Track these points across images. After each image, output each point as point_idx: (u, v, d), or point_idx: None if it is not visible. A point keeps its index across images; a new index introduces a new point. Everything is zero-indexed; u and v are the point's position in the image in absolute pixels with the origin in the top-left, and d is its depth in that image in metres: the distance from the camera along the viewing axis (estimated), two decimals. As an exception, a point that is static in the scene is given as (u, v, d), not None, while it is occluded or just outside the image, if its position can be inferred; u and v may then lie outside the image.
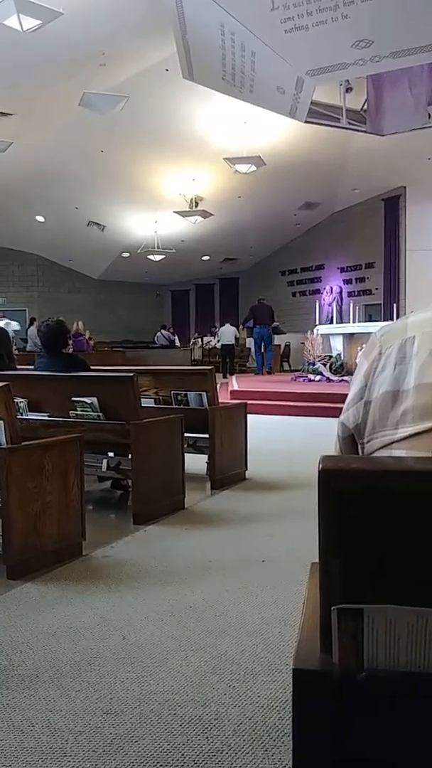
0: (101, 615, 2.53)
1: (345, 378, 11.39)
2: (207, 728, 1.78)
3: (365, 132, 8.54)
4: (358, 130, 8.63)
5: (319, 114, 7.99)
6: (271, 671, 2.09)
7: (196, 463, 4.85)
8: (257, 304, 15.59)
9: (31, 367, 4.92)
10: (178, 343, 21.00)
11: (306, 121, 7.75)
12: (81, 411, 4.05)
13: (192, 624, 2.45)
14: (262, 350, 15.21)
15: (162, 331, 20.65)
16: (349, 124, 8.31)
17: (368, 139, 9.67)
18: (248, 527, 3.81)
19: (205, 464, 4.92)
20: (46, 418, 4.24)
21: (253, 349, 15.88)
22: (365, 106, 8.32)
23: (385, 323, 1.20)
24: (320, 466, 0.95)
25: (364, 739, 1.00)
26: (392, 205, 17.01)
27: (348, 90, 8.28)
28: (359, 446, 1.17)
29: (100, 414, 4.00)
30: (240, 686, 2.00)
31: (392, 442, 1.06)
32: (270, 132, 12.18)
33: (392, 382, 1.08)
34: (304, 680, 1.01)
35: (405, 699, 0.97)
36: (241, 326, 18.20)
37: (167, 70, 9.56)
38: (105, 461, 4.17)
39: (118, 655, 2.20)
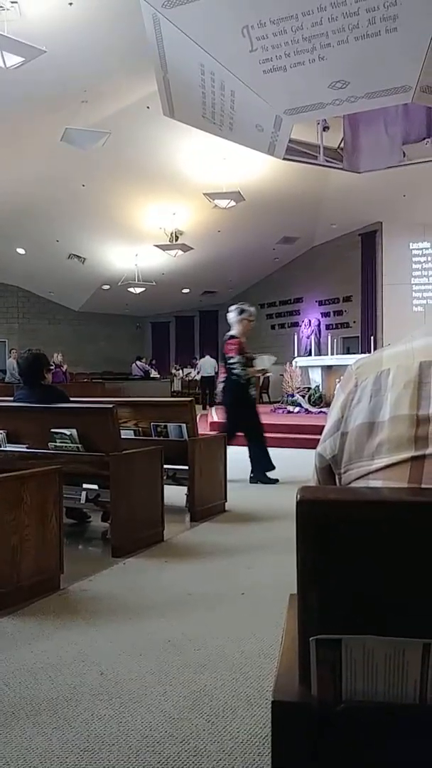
0: (79, 650, 2.49)
1: (323, 409, 11.46)
2: (185, 765, 1.75)
3: (342, 169, 8.73)
4: (335, 168, 8.82)
5: (297, 151, 8.16)
6: (251, 706, 2.07)
7: (175, 494, 4.83)
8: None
9: (11, 398, 4.90)
10: (155, 374, 20.98)
11: (284, 158, 7.91)
12: (60, 442, 4.03)
13: (171, 658, 2.42)
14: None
15: (137, 362, 20.64)
16: (327, 161, 8.49)
17: (345, 176, 9.89)
18: (228, 559, 3.79)
19: (185, 496, 4.90)
20: (25, 449, 4.21)
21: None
22: (342, 144, 8.52)
23: (362, 356, 1.23)
24: (298, 496, 0.97)
25: (343, 771, 1.00)
26: (369, 240, 17.32)
27: (325, 128, 8.49)
28: (336, 477, 1.19)
29: (80, 445, 3.98)
30: (219, 722, 1.97)
31: (369, 473, 1.08)
32: (249, 168, 12.40)
33: (368, 413, 1.10)
34: (283, 712, 1.01)
35: (383, 730, 0.97)
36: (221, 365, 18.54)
37: (148, 107, 9.74)
38: (84, 493, 4.13)
39: (96, 691, 2.17)
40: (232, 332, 6.26)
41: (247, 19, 5.57)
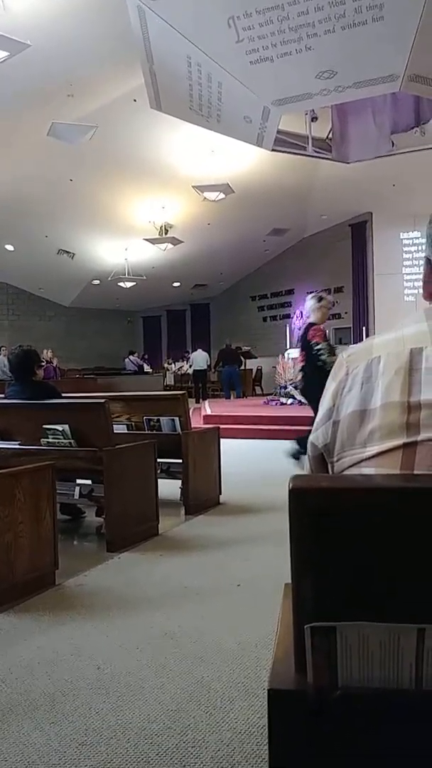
0: (75, 645, 2.49)
1: (317, 401, 11.46)
2: (184, 757, 1.76)
3: (331, 160, 8.71)
4: (323, 158, 8.79)
5: (285, 142, 8.13)
6: (248, 696, 2.07)
7: (169, 488, 4.83)
8: (225, 348, 17.30)
9: (2, 395, 4.88)
10: (147, 369, 20.96)
11: (273, 150, 7.87)
12: (53, 438, 4.02)
13: (167, 651, 2.42)
14: (231, 386, 16.75)
15: (130, 356, 20.60)
16: (315, 152, 8.46)
17: (334, 167, 9.86)
18: (223, 552, 3.79)
19: (179, 489, 4.90)
20: (18, 446, 4.20)
21: (222, 382, 17.68)
22: (330, 135, 8.49)
23: (353, 345, 1.23)
24: (290, 485, 0.96)
25: (341, 757, 1.00)
26: (359, 231, 17.32)
27: (313, 119, 8.45)
28: (329, 465, 1.19)
29: (72, 441, 3.97)
30: (217, 713, 1.98)
31: (361, 461, 1.08)
32: (238, 160, 12.36)
33: (359, 401, 1.10)
34: (279, 701, 1.01)
35: (379, 716, 0.97)
36: (212, 370, 19.01)
37: (135, 100, 9.67)
38: (77, 488, 4.13)
39: (93, 686, 2.17)
40: (312, 319, 6.26)
41: (233, 9, 5.53)
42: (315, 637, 0.97)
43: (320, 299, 6.34)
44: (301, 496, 0.96)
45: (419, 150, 8.36)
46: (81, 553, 3.97)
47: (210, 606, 2.89)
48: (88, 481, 4.14)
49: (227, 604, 2.91)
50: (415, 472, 1.01)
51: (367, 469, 1.06)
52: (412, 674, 0.96)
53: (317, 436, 1.21)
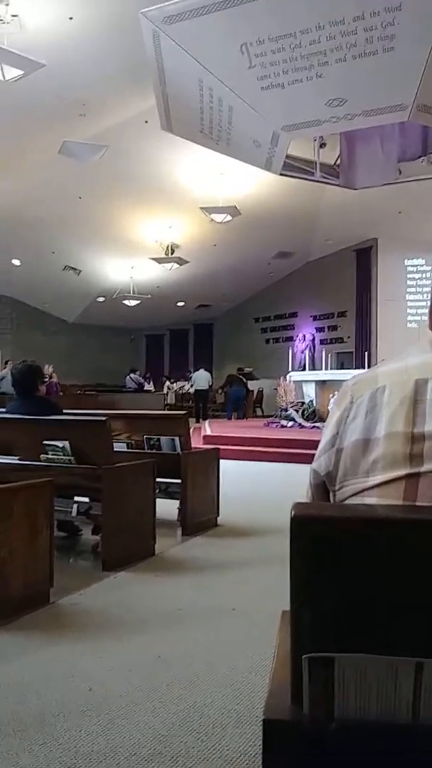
0: (67, 665, 2.46)
1: (317, 424, 11.45)
2: (174, 784, 1.73)
3: (338, 185, 8.79)
4: (331, 184, 8.87)
5: (293, 167, 8.21)
6: (241, 723, 2.04)
7: (167, 508, 4.80)
8: (234, 375, 18.55)
9: (3, 409, 4.88)
10: (149, 387, 20.95)
11: (281, 174, 7.96)
12: (53, 455, 4.01)
13: (160, 674, 2.40)
14: (235, 407, 17.53)
15: (131, 374, 20.60)
16: (323, 177, 8.54)
17: (341, 193, 9.95)
18: (219, 574, 3.76)
19: (177, 510, 4.88)
20: (17, 461, 4.18)
21: (227, 401, 18.48)
22: (338, 161, 8.58)
23: (357, 371, 1.23)
24: (293, 513, 0.96)
25: (335, 792, 0.99)
26: (364, 256, 17.42)
27: (322, 145, 8.55)
28: (331, 493, 1.18)
29: (72, 458, 3.96)
30: (208, 740, 1.95)
31: (363, 490, 1.07)
32: (246, 183, 12.47)
33: (363, 430, 1.10)
34: (274, 731, 1.00)
35: (376, 749, 0.96)
36: (220, 390, 19.60)
37: (146, 121, 9.79)
38: (75, 506, 4.11)
39: (84, 707, 2.14)
40: None
41: (246, 36, 5.62)
42: (312, 667, 0.96)
43: None
44: (303, 524, 0.96)
45: (426, 179, 8.43)
46: (76, 571, 3.94)
47: (204, 629, 2.87)
48: (86, 499, 4.12)
49: (222, 628, 2.88)
50: (418, 503, 1.01)
51: (370, 499, 1.06)
52: (410, 708, 0.95)
53: (320, 463, 1.20)
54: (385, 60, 5.56)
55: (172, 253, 16.44)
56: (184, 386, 20.92)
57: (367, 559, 0.95)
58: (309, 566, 0.96)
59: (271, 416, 14.24)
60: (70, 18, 7.57)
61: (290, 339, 19.98)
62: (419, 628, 0.94)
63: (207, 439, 10.57)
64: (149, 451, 4.91)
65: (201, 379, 18.21)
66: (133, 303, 19.40)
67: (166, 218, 14.99)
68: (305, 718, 0.97)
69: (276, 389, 14.06)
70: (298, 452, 8.49)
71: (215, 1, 5.34)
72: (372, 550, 0.94)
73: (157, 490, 4.37)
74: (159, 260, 16.26)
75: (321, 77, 5.84)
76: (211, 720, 2.07)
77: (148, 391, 20.51)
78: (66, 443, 3.95)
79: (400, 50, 5.45)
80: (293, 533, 0.96)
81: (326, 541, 0.95)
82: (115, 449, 4.19)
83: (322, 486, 1.21)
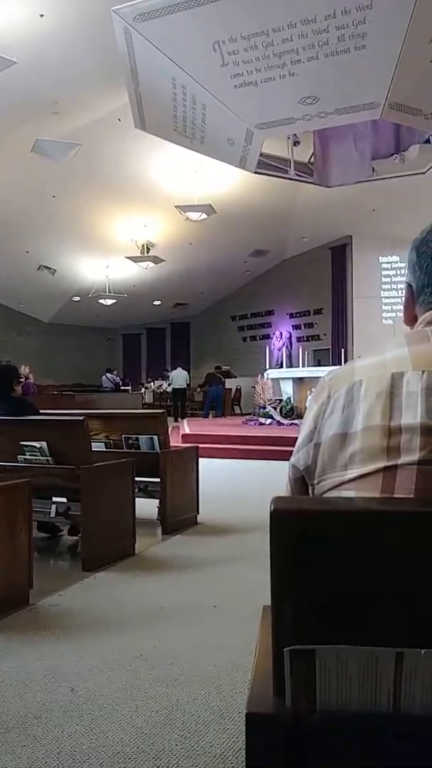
0: (49, 666, 2.45)
1: (295, 421, 11.51)
2: (158, 781, 1.73)
3: (312, 183, 8.82)
4: (305, 182, 8.90)
5: (268, 165, 8.22)
6: (224, 720, 2.05)
7: (147, 507, 4.80)
8: (213, 373, 18.49)
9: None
10: (126, 388, 20.88)
11: (255, 172, 7.97)
12: (30, 455, 3.98)
13: (142, 673, 2.39)
14: (213, 403, 17.64)
15: (107, 374, 20.53)
16: (297, 175, 8.57)
17: (315, 190, 10.00)
18: (200, 572, 3.77)
19: (156, 509, 4.88)
20: (-6, 462, 4.15)
21: (204, 400, 18.52)
22: (312, 159, 8.61)
23: (334, 367, 1.24)
24: (272, 506, 0.97)
25: (318, 783, 1.00)
26: (339, 254, 17.54)
27: (296, 143, 8.57)
28: (310, 487, 1.19)
29: (50, 458, 3.94)
30: (192, 737, 1.95)
31: (342, 483, 1.08)
32: (220, 181, 12.48)
33: (341, 424, 1.11)
34: (257, 725, 1.00)
35: (358, 739, 0.97)
36: (199, 389, 19.55)
37: (119, 119, 9.75)
38: (53, 506, 4.09)
39: (66, 708, 2.14)
40: None
41: (219, 34, 5.62)
42: (294, 660, 0.97)
43: None
44: (282, 518, 0.97)
45: (399, 176, 8.50)
46: (56, 572, 3.92)
47: (186, 627, 2.87)
48: (64, 499, 4.10)
49: (203, 626, 2.89)
50: (395, 495, 1.02)
51: (348, 492, 1.07)
52: (390, 697, 0.96)
53: (298, 458, 1.21)
54: (356, 58, 5.59)
55: (147, 252, 16.41)
56: (161, 385, 20.90)
57: (347, 552, 0.96)
58: (288, 560, 0.97)
59: (250, 414, 14.28)
60: (41, 15, 7.51)
61: (267, 337, 20.05)
62: (399, 618, 0.95)
63: (186, 437, 10.57)
64: (128, 450, 4.90)
65: (178, 377, 18.21)
66: (109, 302, 19.33)
67: (141, 217, 14.95)
68: (288, 710, 0.98)
69: (254, 387, 14.11)
70: (277, 449, 8.53)
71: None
72: (351, 543, 0.95)
73: (137, 490, 4.37)
74: (134, 259, 16.22)
75: (294, 75, 5.86)
76: (194, 717, 2.07)
77: (126, 391, 20.45)
78: (43, 444, 3.93)
79: (371, 48, 5.49)
80: (273, 527, 0.96)
81: (306, 534, 0.96)
82: (93, 449, 4.17)
83: (301, 480, 1.21)
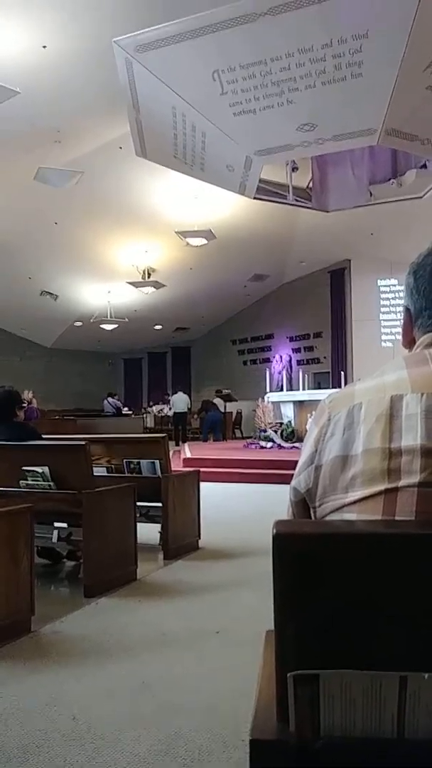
0: (50, 694, 2.43)
1: (296, 444, 11.50)
2: None
3: (311, 208, 8.91)
4: (304, 207, 8.99)
5: (267, 191, 8.31)
6: (227, 748, 2.03)
7: (148, 532, 4.78)
8: (208, 400, 18.81)
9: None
10: (126, 411, 20.87)
11: (255, 198, 8.05)
12: (32, 480, 3.98)
13: (145, 701, 2.37)
14: (210, 430, 17.83)
15: (109, 398, 20.55)
16: (296, 200, 8.66)
17: (314, 215, 10.08)
18: (202, 598, 3.74)
19: (158, 533, 4.85)
20: (-5, 488, 4.14)
21: (202, 426, 18.68)
22: (310, 184, 8.71)
23: (334, 390, 1.25)
24: (274, 530, 0.97)
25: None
26: (338, 277, 17.64)
27: (294, 169, 8.68)
28: (311, 510, 1.19)
29: (52, 483, 3.93)
30: (195, 765, 1.93)
31: (343, 506, 1.08)
32: (220, 207, 12.60)
33: (341, 447, 1.11)
34: (261, 751, 1.00)
35: (362, 765, 0.96)
36: (196, 416, 19.63)
37: (121, 147, 9.87)
38: (55, 532, 4.07)
39: (68, 736, 2.11)
40: None
41: (218, 63, 5.71)
42: (298, 685, 0.96)
43: None
44: (285, 541, 0.97)
45: (396, 201, 8.59)
46: (58, 598, 3.89)
47: (188, 654, 2.84)
48: (65, 525, 4.09)
49: (206, 651, 2.86)
50: (396, 517, 1.02)
51: (349, 515, 1.07)
52: (394, 722, 0.96)
53: (299, 481, 1.22)
54: (353, 86, 5.68)
55: (148, 277, 16.50)
56: (163, 409, 20.89)
57: (349, 575, 0.96)
58: (291, 583, 0.97)
59: (250, 437, 14.26)
60: (44, 46, 7.65)
61: (267, 360, 20.09)
62: (402, 642, 0.95)
63: (187, 462, 10.54)
64: (129, 474, 4.90)
65: (179, 401, 18.23)
66: (110, 327, 19.40)
67: (142, 242, 15.06)
68: (292, 736, 0.97)
69: (254, 411, 14.10)
70: (278, 473, 8.50)
71: (187, 30, 5.43)
72: (353, 566, 0.96)
73: (138, 514, 4.35)
74: (136, 284, 16.31)
75: (291, 103, 5.95)
76: (197, 745, 2.05)
77: (127, 415, 20.45)
78: (45, 468, 3.93)
79: (367, 76, 5.58)
80: (275, 551, 0.97)
81: (308, 558, 0.96)
82: (95, 474, 4.17)
83: (303, 503, 1.22)
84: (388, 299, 17.12)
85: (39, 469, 3.93)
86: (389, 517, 1.02)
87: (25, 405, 7.48)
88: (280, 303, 19.53)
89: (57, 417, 19.36)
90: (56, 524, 4.14)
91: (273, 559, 0.97)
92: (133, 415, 20.77)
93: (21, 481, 4.01)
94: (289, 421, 12.78)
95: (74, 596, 3.77)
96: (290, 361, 19.58)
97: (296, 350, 19.63)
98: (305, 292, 18.50)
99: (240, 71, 5.72)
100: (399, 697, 0.95)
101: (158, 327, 21.96)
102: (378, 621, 0.96)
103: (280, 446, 12.28)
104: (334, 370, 16.83)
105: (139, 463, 4.92)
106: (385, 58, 5.45)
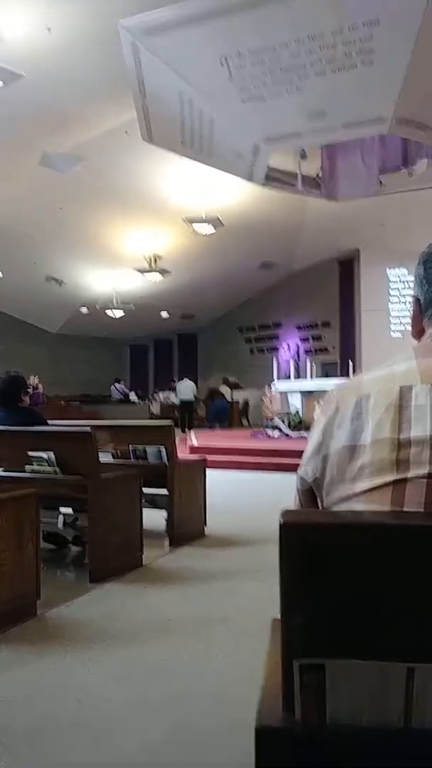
0: (56, 678, 2.45)
1: (303, 434, 11.49)
2: (165, 795, 1.72)
3: (320, 197, 8.85)
4: (313, 195, 8.93)
5: (275, 179, 8.25)
6: (232, 734, 2.04)
7: (154, 519, 4.79)
8: (214, 388, 19.28)
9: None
10: (133, 398, 20.90)
11: (263, 185, 8.00)
12: (37, 466, 3.99)
13: (150, 686, 2.39)
14: (216, 418, 18.07)
15: (116, 384, 20.57)
16: (305, 189, 8.60)
17: (323, 204, 10.01)
18: (208, 584, 3.76)
19: (164, 520, 4.87)
20: (1, 473, 4.16)
21: (208, 414, 19.00)
22: (320, 173, 8.64)
23: (342, 380, 1.24)
24: (281, 520, 0.97)
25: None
26: (347, 267, 17.54)
27: (303, 157, 8.61)
28: (318, 500, 1.19)
29: (57, 469, 3.94)
30: (200, 750, 1.94)
31: (351, 496, 1.08)
32: (228, 194, 12.52)
33: (349, 437, 1.11)
34: (267, 739, 1.00)
35: (368, 754, 0.97)
36: (202, 403, 19.76)
37: (127, 132, 9.81)
38: (61, 517, 4.09)
39: (73, 720, 2.13)
40: None
41: (226, 49, 5.66)
42: (304, 673, 0.96)
43: None
44: (292, 530, 0.97)
45: (407, 190, 8.52)
46: (63, 583, 3.92)
47: (194, 640, 2.86)
48: (70, 510, 4.11)
49: (212, 638, 2.88)
50: (405, 508, 1.02)
51: (357, 505, 1.07)
52: (401, 712, 0.96)
53: (306, 470, 1.21)
54: (363, 73, 5.62)
55: (155, 264, 16.46)
56: (169, 396, 20.90)
57: (356, 565, 0.96)
58: (298, 572, 0.97)
59: (258, 426, 14.26)
60: (49, 29, 7.58)
61: (275, 349, 20.04)
62: (409, 632, 0.95)
63: (193, 449, 10.56)
64: (135, 461, 4.90)
65: (186, 389, 18.21)
66: (117, 314, 19.38)
67: (149, 229, 15.00)
68: (297, 724, 0.98)
69: (262, 399, 14.09)
70: (285, 462, 8.51)
71: (194, 14, 5.38)
72: (360, 556, 0.95)
73: (144, 501, 4.37)
74: (142, 271, 16.28)
75: (301, 90, 5.89)
76: (202, 731, 2.06)
77: (133, 402, 20.48)
78: (51, 454, 3.94)
79: (378, 64, 5.52)
80: (282, 540, 0.97)
81: (315, 547, 0.96)
82: (100, 460, 4.18)
83: (310, 492, 1.21)
84: (397, 289, 17.02)
85: (45, 455, 3.94)
86: (397, 507, 1.02)
87: (30, 390, 7.51)
88: (289, 292, 19.44)
89: (63, 403, 19.40)
90: (62, 509, 4.16)
91: (280, 548, 0.97)
92: (140, 402, 20.79)
93: (27, 467, 4.03)
94: (297, 411, 12.77)
95: (80, 581, 3.79)
96: (298, 350, 19.53)
97: (304, 339, 19.58)
98: (314, 282, 18.40)
99: (248, 57, 5.67)
100: (407, 686, 0.95)
101: (164, 314, 21.92)
102: (385, 611, 0.96)
103: (287, 435, 12.29)
104: (343, 360, 16.77)
105: (144, 450, 4.92)
106: (396, 47, 5.39)
